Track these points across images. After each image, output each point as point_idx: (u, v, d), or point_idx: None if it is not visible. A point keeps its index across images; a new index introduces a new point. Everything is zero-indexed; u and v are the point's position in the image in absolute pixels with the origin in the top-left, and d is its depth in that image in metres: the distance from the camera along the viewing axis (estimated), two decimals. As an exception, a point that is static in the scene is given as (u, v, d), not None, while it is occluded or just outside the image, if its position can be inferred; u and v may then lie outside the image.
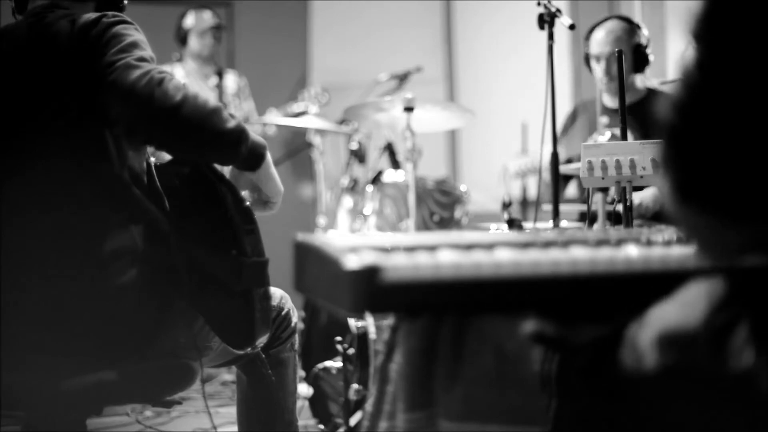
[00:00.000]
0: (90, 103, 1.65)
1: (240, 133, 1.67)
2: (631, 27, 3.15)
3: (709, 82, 0.85)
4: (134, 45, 1.64)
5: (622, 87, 2.08)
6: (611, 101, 3.19)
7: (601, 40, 3.14)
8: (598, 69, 3.16)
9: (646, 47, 3.13)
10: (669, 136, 0.88)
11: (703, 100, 0.85)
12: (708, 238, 0.91)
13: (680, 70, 0.88)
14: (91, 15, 1.68)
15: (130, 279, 1.66)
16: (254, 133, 1.74)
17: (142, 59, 1.62)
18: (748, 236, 0.88)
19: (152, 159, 1.78)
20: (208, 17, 4.52)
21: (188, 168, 1.77)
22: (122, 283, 1.66)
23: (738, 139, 0.84)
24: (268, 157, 1.77)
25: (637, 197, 2.89)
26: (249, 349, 1.77)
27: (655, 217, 2.90)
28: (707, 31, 0.85)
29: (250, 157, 1.72)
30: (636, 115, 2.82)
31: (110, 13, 1.69)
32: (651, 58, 3.16)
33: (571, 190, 3.47)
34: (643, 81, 3.21)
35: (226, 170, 1.82)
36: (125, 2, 1.87)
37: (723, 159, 0.85)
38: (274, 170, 1.80)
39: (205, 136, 1.63)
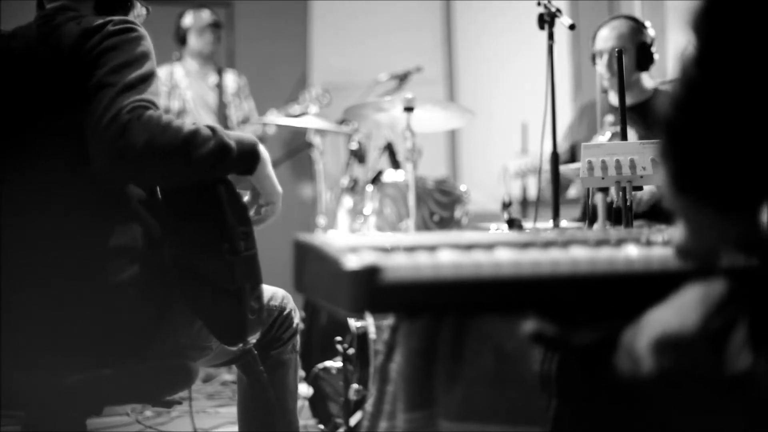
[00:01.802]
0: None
1: (219, 152, 1.61)
2: (637, 26, 3.16)
3: (706, 78, 0.86)
4: (128, 64, 1.60)
5: (622, 86, 2.08)
6: (617, 99, 3.19)
7: (604, 37, 3.15)
8: (600, 65, 3.16)
9: (650, 46, 3.13)
10: (667, 130, 0.90)
11: (700, 96, 0.87)
12: (702, 227, 0.93)
13: (679, 66, 0.89)
14: (96, 20, 1.66)
15: (129, 278, 1.66)
16: (249, 132, 1.72)
17: (130, 86, 1.58)
18: (741, 225, 0.89)
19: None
20: (206, 15, 4.54)
21: None
22: (122, 281, 1.66)
23: (733, 133, 0.86)
24: (264, 156, 1.74)
25: (638, 193, 2.88)
26: (241, 345, 1.76)
27: (656, 216, 2.90)
28: (705, 27, 0.86)
29: (240, 163, 1.69)
30: (643, 114, 2.82)
31: (117, 18, 1.66)
32: (656, 57, 3.16)
33: (573, 191, 3.47)
34: (651, 80, 3.21)
35: None
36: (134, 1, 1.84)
37: (718, 152, 0.87)
38: (271, 170, 1.77)
39: (183, 169, 1.60)
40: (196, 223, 1.73)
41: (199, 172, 1.61)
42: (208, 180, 1.67)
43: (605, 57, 3.13)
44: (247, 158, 1.70)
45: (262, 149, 1.74)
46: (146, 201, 1.72)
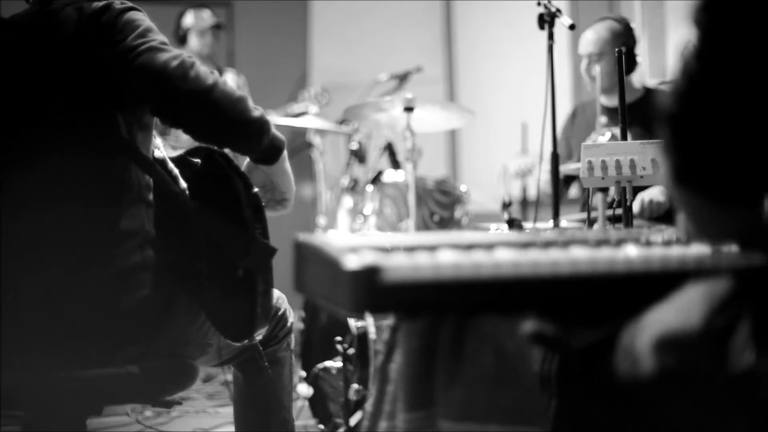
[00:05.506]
0: (99, 88, 1.65)
1: (264, 123, 1.71)
2: (621, 28, 3.16)
3: (707, 70, 0.87)
4: (151, 30, 1.66)
5: (622, 87, 2.09)
6: (608, 101, 3.20)
7: (585, 41, 3.18)
8: (581, 68, 3.20)
9: (632, 49, 3.13)
10: (668, 123, 0.90)
11: (701, 88, 0.87)
12: (704, 219, 0.93)
13: (680, 59, 0.89)
14: (99, 2, 1.68)
15: (138, 263, 1.66)
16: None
17: (165, 44, 1.65)
18: (743, 219, 0.89)
19: (158, 153, 1.78)
20: (207, 16, 4.54)
21: (202, 158, 1.80)
22: (130, 266, 1.66)
23: (733, 126, 0.86)
24: (285, 153, 1.80)
25: (647, 195, 2.89)
26: (246, 341, 1.77)
27: (656, 216, 2.90)
28: (706, 20, 0.86)
29: (270, 148, 1.75)
30: (634, 114, 2.82)
31: (117, 0, 1.69)
32: (639, 59, 3.17)
33: (573, 191, 3.47)
34: (640, 81, 3.21)
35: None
36: None
37: (719, 145, 0.87)
38: (288, 166, 1.84)
39: (233, 120, 1.66)
40: (212, 212, 1.74)
41: (244, 130, 1.68)
42: (244, 144, 1.73)
43: (585, 61, 3.16)
44: (276, 145, 1.77)
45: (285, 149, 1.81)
46: (156, 188, 1.72)
